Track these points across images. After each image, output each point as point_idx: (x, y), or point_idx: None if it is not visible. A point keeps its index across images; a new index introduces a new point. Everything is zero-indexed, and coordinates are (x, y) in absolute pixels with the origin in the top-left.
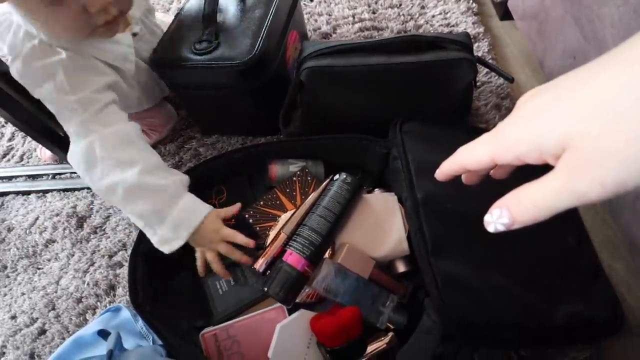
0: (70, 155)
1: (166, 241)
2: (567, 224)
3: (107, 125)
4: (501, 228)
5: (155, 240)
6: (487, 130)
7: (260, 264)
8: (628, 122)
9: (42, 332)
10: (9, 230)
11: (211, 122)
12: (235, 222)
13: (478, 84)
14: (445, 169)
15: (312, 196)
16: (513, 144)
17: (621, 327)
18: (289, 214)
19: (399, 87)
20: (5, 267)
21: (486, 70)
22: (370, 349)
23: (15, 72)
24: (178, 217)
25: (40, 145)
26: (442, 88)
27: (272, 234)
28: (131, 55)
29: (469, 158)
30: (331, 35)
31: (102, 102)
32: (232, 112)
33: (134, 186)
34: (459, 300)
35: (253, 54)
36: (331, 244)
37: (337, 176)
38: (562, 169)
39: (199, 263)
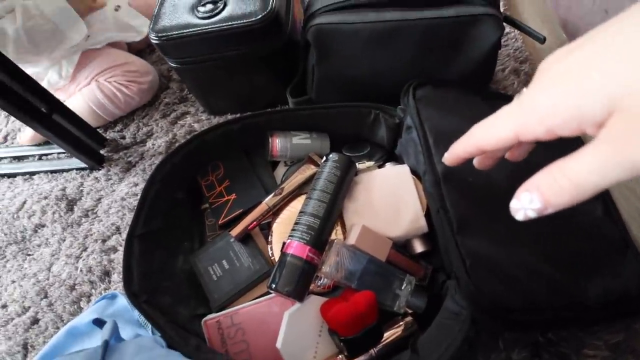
0: None
1: None
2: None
3: None
4: (532, 215)
5: None
6: (507, 95)
7: (237, 232)
8: None
9: (35, 321)
10: None
11: (219, 100)
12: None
13: None
14: (458, 151)
15: (298, 177)
16: (546, 115)
17: None
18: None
19: (417, 47)
20: None
21: None
22: (386, 335)
23: None
24: None
25: (23, 127)
26: (464, 48)
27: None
28: None
29: (488, 136)
30: None
31: None
32: (242, 85)
33: None
34: (489, 282)
35: (270, 9)
36: (333, 227)
37: (325, 158)
38: (609, 137)
39: None
